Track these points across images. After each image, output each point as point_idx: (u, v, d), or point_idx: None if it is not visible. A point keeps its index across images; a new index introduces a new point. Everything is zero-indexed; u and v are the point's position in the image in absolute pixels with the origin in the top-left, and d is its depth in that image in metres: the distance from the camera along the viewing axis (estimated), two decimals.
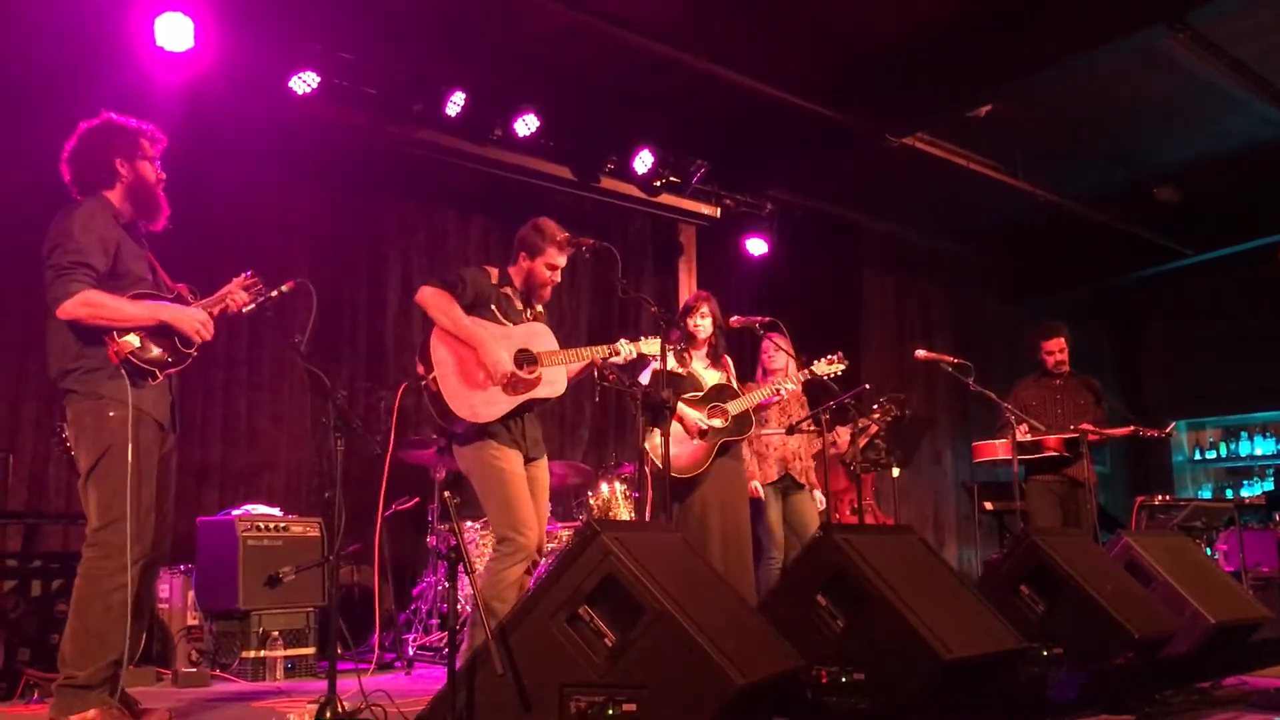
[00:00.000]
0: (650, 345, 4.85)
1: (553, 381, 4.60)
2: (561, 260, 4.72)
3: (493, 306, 4.52)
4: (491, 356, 4.39)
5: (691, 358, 5.72)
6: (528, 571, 4.42)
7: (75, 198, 3.91)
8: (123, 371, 3.71)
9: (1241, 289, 11.84)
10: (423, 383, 4.38)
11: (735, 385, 5.77)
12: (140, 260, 3.94)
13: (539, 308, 4.76)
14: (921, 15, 7.09)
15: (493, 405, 4.41)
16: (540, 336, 4.64)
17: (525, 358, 4.52)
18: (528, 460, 4.51)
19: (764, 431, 6.32)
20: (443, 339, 4.41)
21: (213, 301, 4.02)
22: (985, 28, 7.19)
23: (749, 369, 6.75)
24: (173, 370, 3.87)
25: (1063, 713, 3.87)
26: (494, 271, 4.67)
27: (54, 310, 3.69)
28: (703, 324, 5.75)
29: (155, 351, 3.79)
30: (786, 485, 6.31)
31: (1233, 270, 11.47)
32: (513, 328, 4.56)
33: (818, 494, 6.39)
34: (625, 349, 4.80)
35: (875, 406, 5.82)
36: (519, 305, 4.66)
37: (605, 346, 4.78)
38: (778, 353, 6.20)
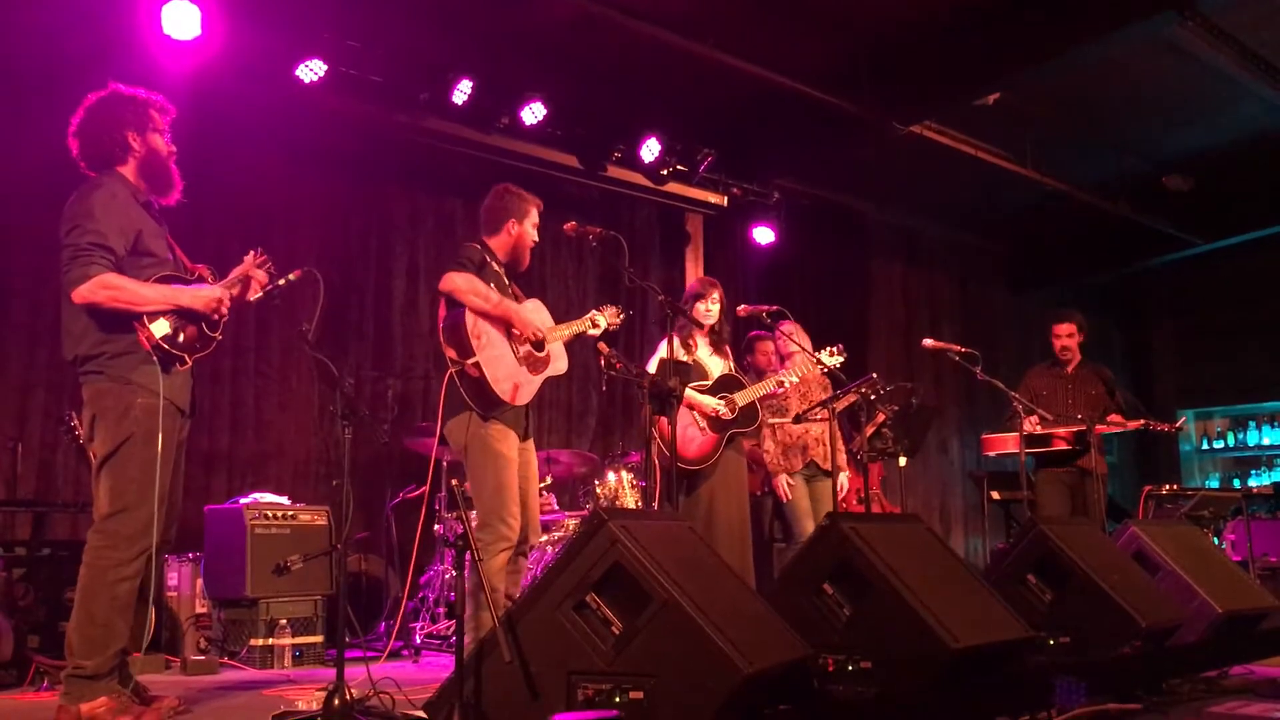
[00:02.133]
0: (604, 316, 4.84)
1: (559, 357, 4.64)
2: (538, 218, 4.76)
3: (491, 286, 4.51)
4: (529, 323, 4.45)
5: (697, 345, 5.70)
6: (523, 555, 4.44)
7: (86, 173, 3.86)
8: (155, 358, 3.70)
9: (1251, 278, 11.82)
10: (457, 368, 4.33)
11: (739, 375, 5.76)
12: (160, 240, 3.91)
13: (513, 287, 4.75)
14: (929, 2, 7.06)
15: (527, 386, 4.46)
16: (540, 313, 4.67)
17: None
18: (522, 439, 4.53)
19: (774, 420, 6.31)
20: (477, 321, 4.38)
21: (230, 283, 4.00)
22: (994, 15, 7.16)
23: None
24: (201, 354, 3.85)
25: (1070, 702, 3.86)
26: (479, 248, 4.63)
27: (69, 293, 3.65)
28: (713, 309, 5.72)
29: (185, 337, 3.78)
30: (812, 472, 6.32)
31: (1243, 259, 11.46)
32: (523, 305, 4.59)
33: (843, 477, 6.38)
34: (601, 320, 4.81)
35: (866, 388, 5.78)
36: (507, 282, 4.65)
37: (586, 319, 4.80)
38: (792, 339, 6.19)
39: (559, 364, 4.66)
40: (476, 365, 4.31)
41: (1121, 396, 7.04)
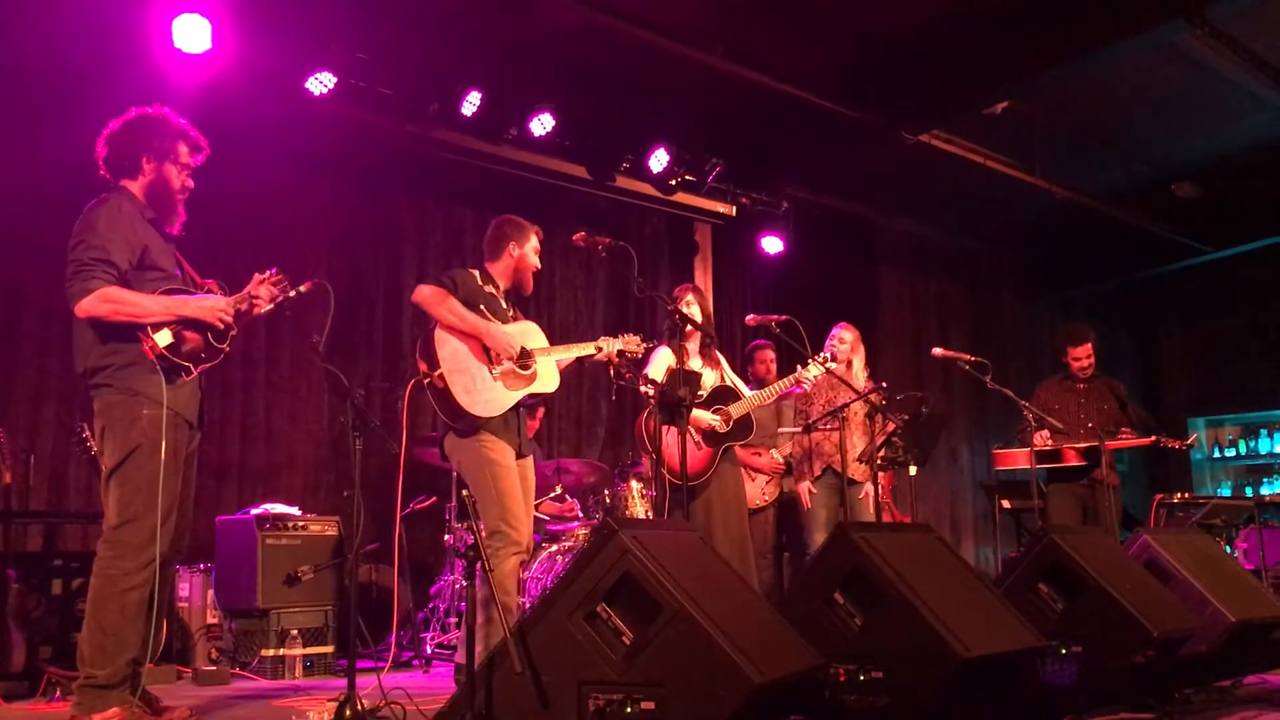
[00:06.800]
0: (616, 344, 4.83)
1: (547, 377, 4.64)
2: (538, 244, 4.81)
3: (481, 306, 4.55)
4: (500, 340, 4.46)
5: (689, 355, 5.63)
6: (523, 565, 4.45)
7: (103, 176, 3.93)
8: (159, 368, 3.72)
9: (1261, 286, 11.79)
10: (426, 380, 4.39)
11: (734, 383, 5.65)
12: (167, 255, 3.95)
13: (513, 311, 4.78)
14: (937, 11, 7.05)
15: (498, 400, 4.46)
16: (532, 335, 4.70)
17: (522, 354, 4.56)
18: (519, 456, 4.54)
19: (788, 430, 6.28)
20: (447, 336, 4.45)
21: (240, 299, 4.03)
22: (1001, 23, 7.15)
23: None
24: (206, 366, 3.87)
25: (1082, 710, 3.85)
26: (476, 273, 4.70)
27: (71, 307, 3.70)
28: (689, 312, 5.62)
29: (189, 347, 3.80)
30: (836, 480, 6.25)
31: (1252, 267, 11.41)
32: (507, 326, 4.60)
33: (868, 487, 6.30)
34: (607, 346, 4.80)
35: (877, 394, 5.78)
36: (504, 304, 4.70)
37: (591, 344, 4.80)
38: (842, 345, 6.18)
39: (545, 383, 4.63)
40: (441, 377, 4.36)
41: (1133, 411, 7.01)
